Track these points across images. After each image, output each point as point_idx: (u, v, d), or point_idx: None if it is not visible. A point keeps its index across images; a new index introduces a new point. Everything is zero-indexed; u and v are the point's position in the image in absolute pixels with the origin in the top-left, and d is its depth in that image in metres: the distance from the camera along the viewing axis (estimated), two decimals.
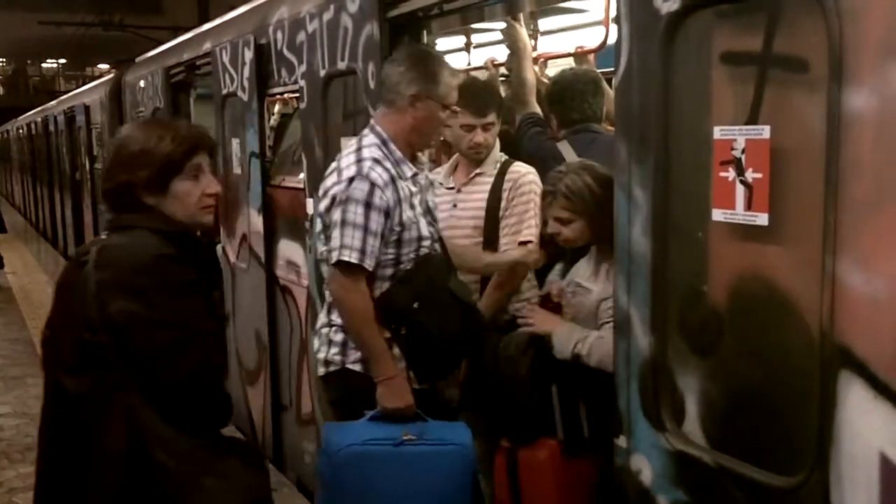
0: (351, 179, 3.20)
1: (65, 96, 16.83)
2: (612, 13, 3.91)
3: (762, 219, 2.21)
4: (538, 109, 4.40)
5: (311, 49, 4.75)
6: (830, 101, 1.99)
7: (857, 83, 1.94)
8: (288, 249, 5.56)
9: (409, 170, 3.36)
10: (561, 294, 3.31)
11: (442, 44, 6.44)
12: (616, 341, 2.71)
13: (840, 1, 1.96)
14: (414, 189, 3.38)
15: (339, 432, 3.22)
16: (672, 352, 2.54)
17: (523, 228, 3.73)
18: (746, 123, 2.24)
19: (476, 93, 3.86)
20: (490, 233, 3.78)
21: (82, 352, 2.51)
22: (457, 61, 6.55)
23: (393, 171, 3.28)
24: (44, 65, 42.97)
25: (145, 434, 2.49)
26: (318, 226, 3.40)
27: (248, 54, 5.54)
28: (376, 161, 3.25)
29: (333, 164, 3.39)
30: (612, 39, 3.74)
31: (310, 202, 4.95)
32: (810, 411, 2.11)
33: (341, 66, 4.44)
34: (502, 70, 5.42)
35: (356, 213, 3.18)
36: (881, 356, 1.94)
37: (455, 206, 3.89)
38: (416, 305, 3.24)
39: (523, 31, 4.47)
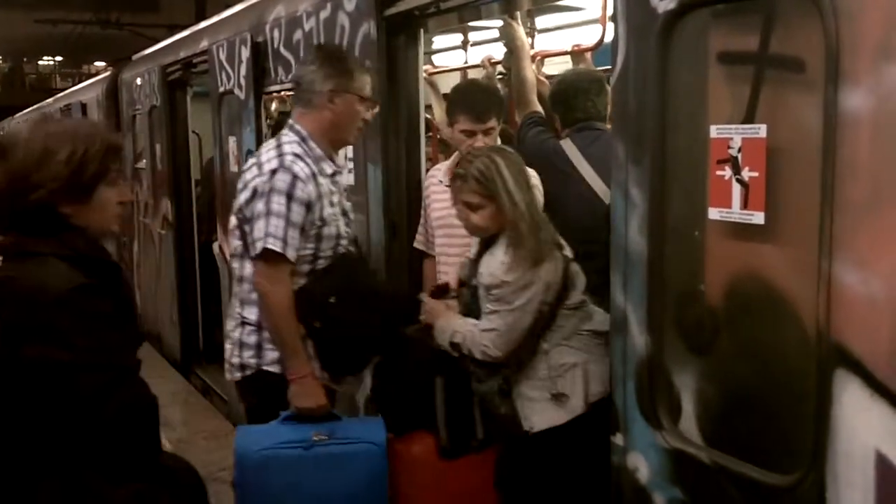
0: (273, 171, 3.20)
1: (61, 94, 16.79)
2: (609, 11, 3.92)
3: (758, 217, 2.22)
4: (539, 108, 4.40)
5: (309, 47, 4.74)
6: (827, 101, 1.99)
7: (854, 84, 1.94)
8: None
9: (328, 167, 3.38)
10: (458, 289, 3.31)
11: (438, 42, 6.45)
12: (612, 340, 2.72)
13: (836, 1, 1.96)
14: (333, 188, 3.40)
15: (251, 436, 3.18)
16: (668, 350, 2.55)
17: None
18: (743, 122, 2.24)
19: (476, 98, 3.85)
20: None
21: None
22: (453, 59, 6.56)
23: (313, 168, 3.29)
24: (40, 62, 42.92)
25: (79, 492, 2.23)
26: (233, 222, 3.38)
27: (245, 52, 5.54)
28: (297, 156, 3.27)
29: (252, 160, 3.40)
30: (608, 38, 3.74)
31: None
32: (806, 410, 2.12)
33: None
34: (500, 68, 5.42)
35: (279, 203, 3.18)
36: (877, 355, 1.94)
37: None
38: (332, 300, 3.22)
39: (521, 30, 4.46)
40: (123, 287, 2.48)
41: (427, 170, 4.45)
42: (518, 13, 4.38)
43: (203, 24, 7.78)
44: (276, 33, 5.23)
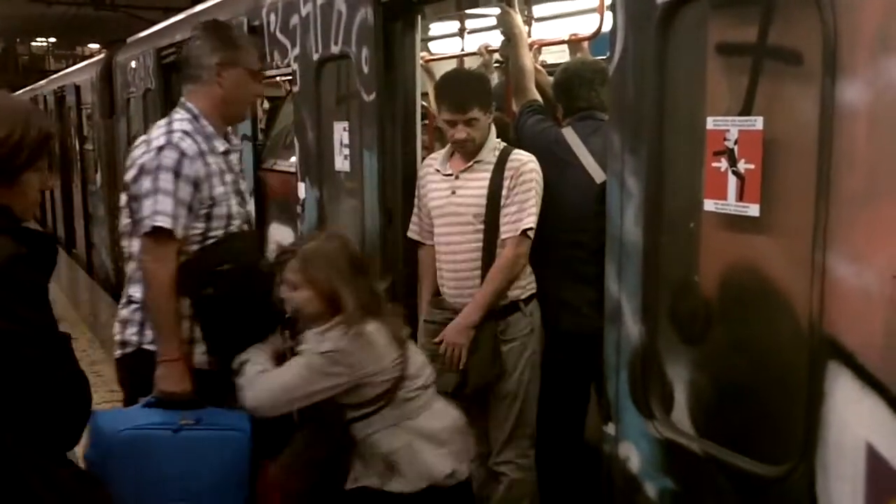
0: (160, 148, 3.17)
1: (55, 76, 16.70)
2: (608, 1, 3.91)
3: (753, 210, 2.22)
4: (538, 96, 4.39)
5: (305, 33, 4.73)
6: (824, 93, 2.00)
7: (851, 76, 1.95)
8: (278, 232, 5.55)
9: (220, 145, 3.35)
10: None
11: (435, 29, 6.43)
12: (606, 329, 2.73)
13: None
14: (224, 167, 3.36)
15: (112, 417, 3.10)
16: (662, 341, 2.55)
17: (525, 217, 3.66)
18: (740, 114, 2.24)
19: (455, 88, 3.81)
20: (491, 221, 3.73)
21: None
22: (450, 47, 6.55)
23: (204, 146, 3.26)
24: (33, 44, 42.64)
25: (21, 465, 2.16)
26: (122, 199, 3.33)
27: None
28: (186, 133, 3.24)
29: (142, 137, 3.36)
30: (606, 27, 3.74)
31: (302, 186, 4.95)
32: (798, 401, 2.13)
33: (335, 50, 4.43)
34: (496, 56, 5.41)
35: (167, 180, 3.14)
36: (869, 348, 1.95)
37: (453, 192, 3.82)
38: (225, 267, 3.19)
39: (518, 18, 4.45)
40: (56, 260, 2.42)
41: (423, 157, 4.45)
42: (515, 1, 4.37)
43: (199, 7, 7.74)
44: (272, 17, 5.21)
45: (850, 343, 1.99)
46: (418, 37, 4.17)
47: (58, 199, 14.32)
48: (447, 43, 7.17)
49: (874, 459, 1.97)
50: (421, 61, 5.91)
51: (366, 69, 4.12)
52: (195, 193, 3.20)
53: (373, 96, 4.10)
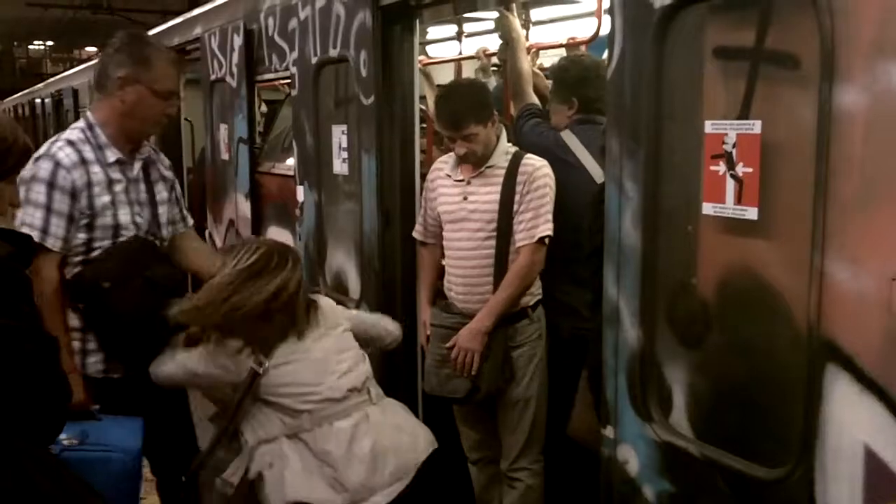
0: (37, 159, 3.16)
1: (53, 79, 16.70)
2: (606, 5, 3.92)
3: (752, 213, 2.23)
4: (536, 100, 4.40)
5: (303, 36, 4.73)
6: (821, 97, 2.00)
7: (848, 80, 1.96)
8: (276, 236, 5.55)
9: (112, 154, 3.32)
10: None
11: (433, 32, 6.44)
12: (605, 332, 2.73)
13: None
14: (116, 176, 3.33)
15: None
16: (660, 344, 2.56)
17: (540, 223, 3.65)
18: (738, 118, 2.25)
19: (449, 105, 3.80)
20: (504, 227, 3.71)
21: None
22: (448, 50, 6.56)
23: (90, 155, 3.25)
24: (31, 46, 42.63)
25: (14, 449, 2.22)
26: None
27: (238, 40, 5.53)
28: (70, 143, 3.23)
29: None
30: (604, 31, 3.74)
31: (300, 189, 4.95)
32: (796, 404, 2.13)
33: (333, 53, 4.43)
34: (494, 60, 5.42)
35: (38, 191, 3.14)
36: (868, 351, 1.96)
37: (465, 198, 3.82)
38: (106, 285, 3.18)
39: (516, 22, 4.46)
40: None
41: (421, 161, 4.45)
42: (514, 5, 4.39)
43: (196, 11, 7.75)
44: (270, 21, 5.22)
45: (848, 346, 2.00)
46: (416, 41, 4.18)
47: None
48: (445, 46, 7.18)
49: (872, 462, 1.97)
50: (419, 65, 5.94)
51: (364, 73, 4.12)
52: (74, 203, 3.18)
53: (371, 100, 4.11)
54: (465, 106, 3.75)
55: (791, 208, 2.16)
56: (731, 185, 2.28)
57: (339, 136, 4.52)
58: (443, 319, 3.88)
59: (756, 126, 2.20)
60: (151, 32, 8.97)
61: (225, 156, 6.09)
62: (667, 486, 2.55)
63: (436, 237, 4.01)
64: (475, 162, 3.79)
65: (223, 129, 6.07)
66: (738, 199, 2.26)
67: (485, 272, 3.75)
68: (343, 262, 4.63)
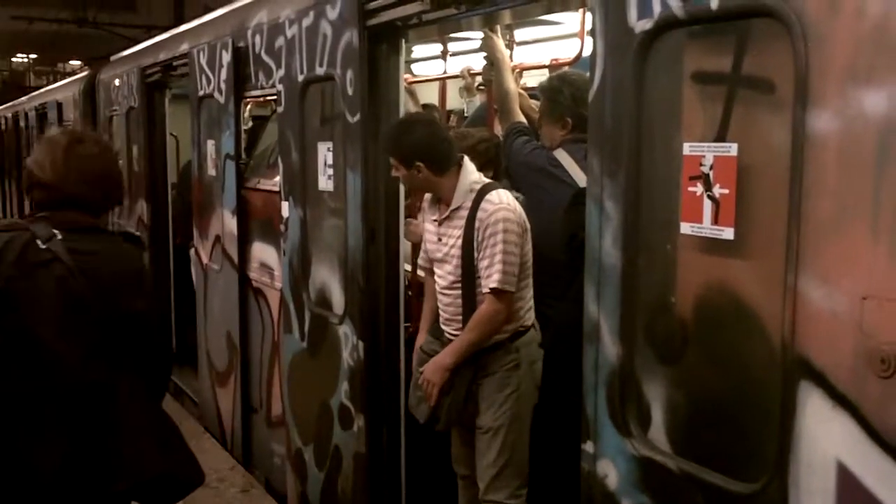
0: None
1: (37, 93, 16.64)
2: (588, 26, 3.99)
3: (728, 233, 2.29)
4: (523, 118, 4.45)
5: (290, 54, 4.78)
6: (795, 121, 2.07)
7: (821, 105, 2.02)
8: (261, 252, 5.58)
9: None
10: None
11: (418, 51, 6.50)
12: (585, 348, 2.78)
13: (806, 25, 2.03)
14: None
15: None
16: (639, 360, 2.61)
17: (493, 273, 3.59)
18: (715, 140, 2.31)
19: (388, 133, 3.92)
20: (468, 271, 3.71)
21: None
22: (433, 69, 6.62)
23: None
24: (14, 59, 42.44)
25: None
26: None
27: (226, 57, 5.56)
28: None
29: None
30: (586, 52, 3.80)
31: (285, 205, 4.99)
32: (771, 420, 2.18)
33: (320, 71, 4.48)
34: (479, 79, 5.49)
35: None
36: (839, 368, 2.01)
37: (440, 239, 3.85)
38: None
39: (501, 42, 4.53)
40: None
41: None
42: (498, 27, 4.45)
43: (184, 27, 7.80)
44: (257, 39, 5.26)
45: (820, 363, 2.05)
46: (402, 60, 4.23)
47: None
48: (430, 65, 7.24)
49: (844, 477, 2.02)
50: (404, 83, 5.99)
51: (350, 91, 4.17)
52: None
53: (357, 118, 4.15)
54: (393, 141, 3.84)
55: (766, 228, 2.21)
56: (708, 205, 2.33)
57: (324, 153, 4.57)
58: (427, 344, 3.94)
59: (733, 149, 2.26)
60: (137, 48, 9.01)
61: (212, 171, 6.12)
62: (646, 500, 2.59)
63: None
64: (424, 196, 3.88)
65: (210, 145, 6.10)
66: (715, 220, 2.32)
67: (458, 311, 3.78)
68: (327, 277, 4.66)
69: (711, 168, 2.32)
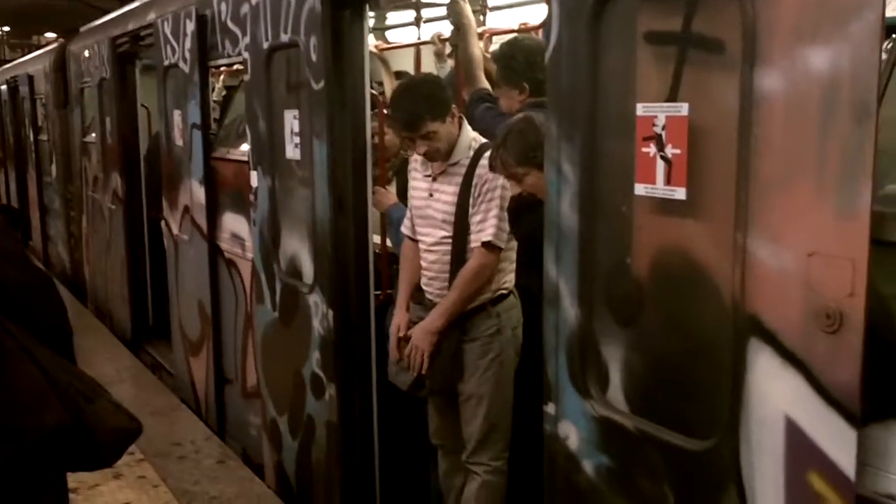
0: None
1: (7, 66, 16.41)
2: None
3: (680, 193, 2.30)
4: (487, 85, 4.44)
5: (255, 21, 4.73)
6: (744, 81, 2.07)
7: (769, 65, 2.02)
8: (232, 222, 5.56)
9: None
10: None
11: (392, 18, 6.47)
12: (546, 312, 2.79)
13: None
14: None
15: None
16: (597, 322, 2.62)
17: (487, 227, 3.64)
18: (667, 101, 2.31)
19: (403, 105, 3.79)
20: (461, 228, 3.72)
21: None
22: (408, 36, 6.59)
23: None
24: None
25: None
26: None
27: (190, 26, 5.51)
28: None
29: None
30: None
31: (254, 174, 4.96)
32: (724, 378, 2.21)
33: (284, 38, 4.44)
34: (449, 46, 5.46)
35: None
36: (788, 325, 2.04)
37: (431, 195, 3.83)
38: None
39: (468, 7, 4.50)
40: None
41: (373, 146, 4.47)
42: None
43: None
44: (223, 6, 5.21)
45: (769, 320, 2.07)
46: (366, 25, 4.20)
47: (13, 189, 14.11)
48: (404, 32, 7.20)
49: (793, 432, 2.05)
50: (375, 50, 5.95)
51: (314, 57, 4.14)
52: None
53: (321, 84, 4.12)
54: (419, 104, 3.71)
55: (717, 188, 2.22)
56: (661, 166, 2.34)
57: (291, 121, 4.53)
58: (411, 311, 3.93)
59: (683, 108, 2.27)
60: (107, 18, 8.89)
61: (179, 142, 6.08)
62: (605, 459, 2.62)
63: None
64: (443, 157, 3.78)
65: (177, 115, 6.05)
66: (668, 180, 2.32)
67: (444, 269, 3.79)
68: (297, 247, 4.65)
69: (664, 129, 2.32)
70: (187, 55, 5.65)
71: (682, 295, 2.40)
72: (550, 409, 2.81)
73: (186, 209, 6.07)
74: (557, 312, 2.72)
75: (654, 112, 2.34)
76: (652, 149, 2.36)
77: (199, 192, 5.76)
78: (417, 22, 6.36)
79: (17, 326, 2.55)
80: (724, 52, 2.18)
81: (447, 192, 3.76)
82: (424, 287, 3.90)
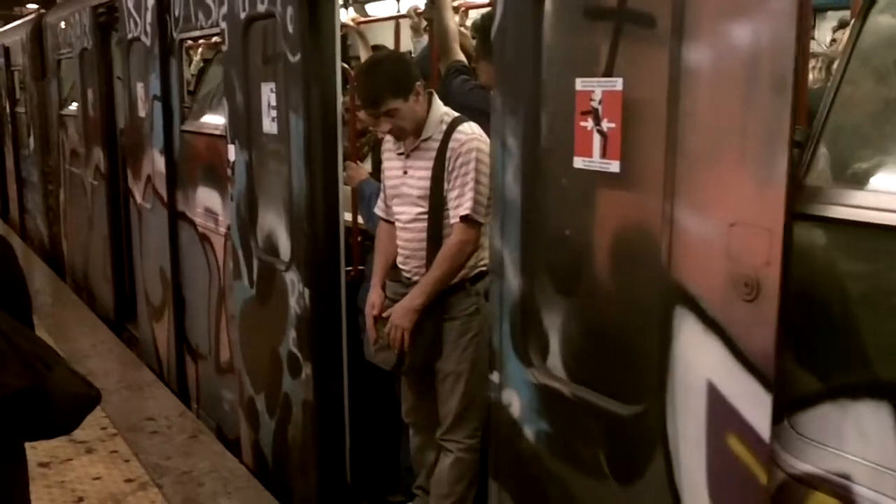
0: None
1: None
2: None
3: (615, 166, 2.36)
4: (462, 57, 4.45)
5: None
6: (672, 56, 2.13)
7: (695, 40, 2.08)
8: (205, 196, 5.57)
9: None
10: None
11: None
12: (492, 283, 2.86)
13: None
14: None
15: None
16: (539, 292, 2.69)
17: (464, 202, 3.59)
18: (603, 76, 2.37)
19: (364, 83, 3.76)
20: (436, 204, 3.68)
21: None
22: (385, 9, 6.59)
23: None
24: None
25: None
26: None
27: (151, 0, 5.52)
28: None
29: None
30: None
31: (231, 148, 4.92)
32: (652, 344, 2.28)
33: (261, 8, 4.33)
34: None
35: None
36: (710, 292, 2.11)
37: (405, 172, 3.79)
38: None
39: None
40: None
41: (344, 121, 4.39)
42: None
43: None
44: None
45: (693, 288, 2.14)
46: None
47: None
48: (383, 6, 7.20)
49: (714, 397, 2.13)
50: (352, 23, 5.95)
51: (291, 29, 4.06)
52: None
53: (298, 57, 4.04)
54: (381, 81, 3.68)
55: (648, 161, 2.28)
56: (597, 139, 2.40)
57: (267, 94, 4.46)
58: (388, 288, 3.90)
59: (618, 83, 2.32)
60: None
61: (142, 113, 6.11)
62: (544, 426, 2.70)
63: (392, 212, 3.94)
64: (410, 135, 3.74)
65: (140, 88, 6.08)
66: (604, 153, 2.38)
67: (420, 246, 3.76)
68: (274, 223, 4.61)
69: (600, 103, 2.38)
70: (148, 28, 5.67)
71: (617, 265, 2.47)
72: (495, 377, 2.88)
73: (149, 178, 6.11)
74: (502, 283, 2.79)
75: (592, 87, 2.40)
76: (589, 123, 2.41)
77: (160, 162, 5.80)
78: None
79: None
80: (656, 26, 2.23)
81: (421, 168, 3.74)
82: (401, 266, 3.88)
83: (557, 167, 2.58)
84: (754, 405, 2.02)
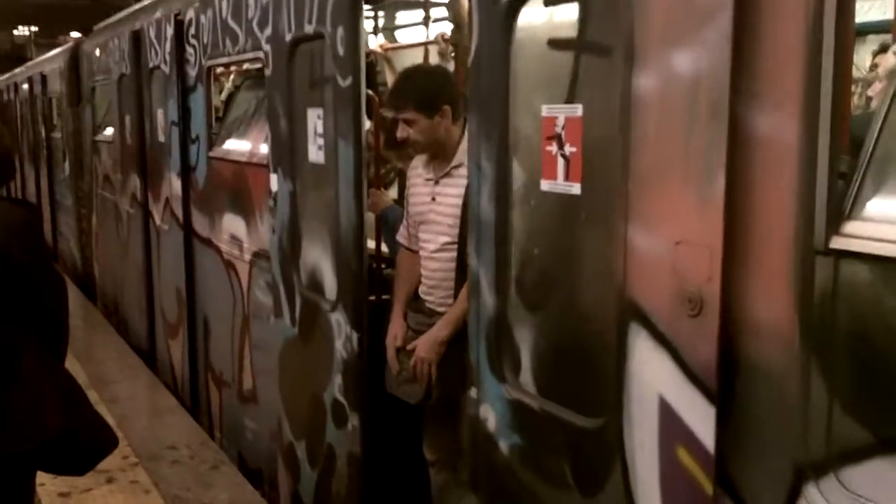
0: None
1: (30, 63, 16.80)
2: None
3: (576, 188, 2.46)
4: None
5: (277, 11, 4.43)
6: (623, 82, 2.23)
7: (644, 66, 2.18)
8: (231, 223, 5.52)
9: None
10: None
11: (402, 18, 6.63)
12: (470, 301, 2.96)
13: None
14: None
15: None
16: (511, 310, 2.79)
17: None
18: (566, 102, 2.48)
19: (396, 84, 3.76)
20: (466, 233, 3.36)
21: None
22: (416, 35, 6.71)
23: None
24: (15, 32, 42.48)
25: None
26: None
27: (169, 30, 5.73)
28: None
29: None
30: None
31: (273, 178, 4.69)
32: (611, 360, 2.36)
33: (308, 29, 4.12)
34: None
35: None
36: (660, 308, 2.19)
37: (433, 199, 3.69)
38: None
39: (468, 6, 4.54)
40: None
41: (369, 146, 4.18)
42: None
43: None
44: (223, 4, 5.13)
45: (645, 305, 2.23)
46: (363, 21, 3.86)
47: (31, 187, 14.42)
48: (412, 32, 7.32)
49: (664, 410, 2.20)
50: (379, 49, 6.04)
51: (341, 50, 3.79)
52: None
53: (349, 80, 3.74)
54: (410, 89, 3.64)
55: (605, 183, 2.38)
56: (561, 163, 2.51)
57: (314, 120, 4.18)
58: (410, 319, 3.81)
59: (578, 109, 2.43)
60: (120, 15, 8.85)
61: (161, 138, 6.34)
62: (517, 439, 2.78)
63: (416, 240, 3.82)
64: (423, 150, 3.69)
65: (160, 114, 6.31)
66: (567, 176, 2.49)
67: (447, 276, 3.64)
68: (319, 259, 4.32)
69: (563, 128, 2.49)
70: (167, 58, 5.90)
71: (580, 283, 2.56)
72: (473, 393, 2.97)
73: (167, 201, 6.32)
74: (478, 301, 2.89)
75: (556, 113, 2.51)
76: (554, 147, 2.52)
77: (177, 185, 6.01)
78: (426, 21, 6.48)
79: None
80: (611, 55, 2.34)
81: (451, 196, 3.61)
82: (424, 296, 3.78)
83: (526, 189, 2.69)
84: (700, 417, 2.10)
